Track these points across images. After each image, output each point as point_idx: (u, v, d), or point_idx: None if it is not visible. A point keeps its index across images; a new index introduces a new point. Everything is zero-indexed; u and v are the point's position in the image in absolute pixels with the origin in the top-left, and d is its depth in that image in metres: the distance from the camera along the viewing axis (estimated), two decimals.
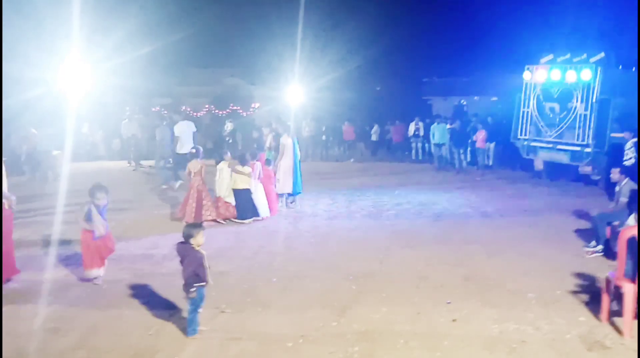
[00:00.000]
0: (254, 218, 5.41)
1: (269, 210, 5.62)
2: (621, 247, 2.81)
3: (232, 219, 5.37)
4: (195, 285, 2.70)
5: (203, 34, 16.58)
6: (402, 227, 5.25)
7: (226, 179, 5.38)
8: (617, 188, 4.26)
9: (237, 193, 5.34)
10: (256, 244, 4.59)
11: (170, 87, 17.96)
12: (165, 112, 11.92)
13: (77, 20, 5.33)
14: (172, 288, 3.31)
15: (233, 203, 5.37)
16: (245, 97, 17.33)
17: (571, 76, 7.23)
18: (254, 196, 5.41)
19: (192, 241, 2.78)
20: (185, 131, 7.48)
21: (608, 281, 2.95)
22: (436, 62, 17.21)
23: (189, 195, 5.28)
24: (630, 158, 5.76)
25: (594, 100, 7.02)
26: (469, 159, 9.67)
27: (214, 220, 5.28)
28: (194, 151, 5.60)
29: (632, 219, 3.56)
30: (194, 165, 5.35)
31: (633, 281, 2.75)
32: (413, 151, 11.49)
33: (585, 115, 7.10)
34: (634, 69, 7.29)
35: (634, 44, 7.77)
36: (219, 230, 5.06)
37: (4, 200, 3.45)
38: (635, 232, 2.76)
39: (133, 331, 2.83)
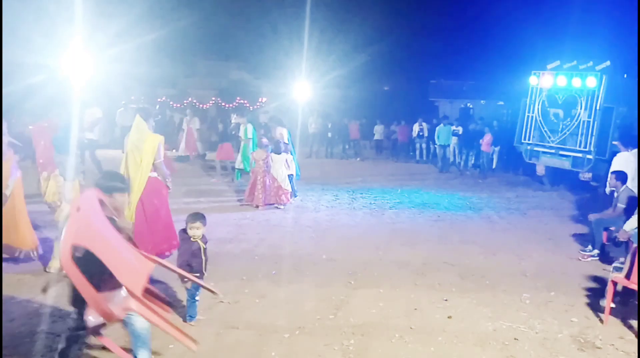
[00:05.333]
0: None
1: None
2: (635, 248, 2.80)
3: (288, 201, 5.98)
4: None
5: (209, 26, 16.54)
6: (402, 225, 5.30)
7: (281, 168, 5.94)
8: (615, 195, 4.30)
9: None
10: (257, 236, 4.65)
11: (177, 77, 17.89)
12: None
13: (80, 4, 5.28)
14: (172, 276, 3.30)
15: (288, 188, 6.00)
16: (252, 91, 17.32)
17: (576, 83, 7.22)
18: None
19: (188, 231, 2.77)
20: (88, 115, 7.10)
21: (614, 283, 2.95)
22: (444, 64, 17.15)
23: (256, 181, 5.81)
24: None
25: (597, 107, 7.01)
26: (472, 161, 9.68)
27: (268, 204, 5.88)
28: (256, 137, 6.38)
29: (628, 225, 3.61)
30: (259, 154, 5.91)
31: None
32: (417, 152, 11.47)
33: (588, 122, 7.09)
34: None
35: None
36: (221, 221, 5.12)
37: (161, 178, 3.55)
38: None
39: None
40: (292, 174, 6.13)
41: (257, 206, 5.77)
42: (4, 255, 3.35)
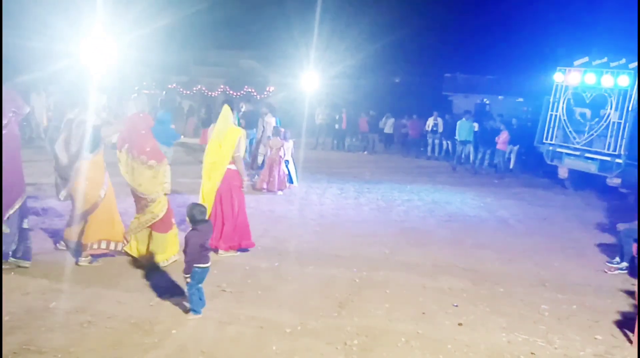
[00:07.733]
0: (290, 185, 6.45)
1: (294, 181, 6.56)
2: None
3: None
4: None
5: (220, 14, 16.38)
6: (411, 224, 5.09)
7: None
8: None
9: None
10: (261, 227, 4.54)
11: (187, 65, 17.93)
12: None
13: None
14: (179, 263, 3.32)
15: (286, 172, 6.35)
16: (261, 80, 17.17)
17: (607, 81, 6.75)
18: (289, 167, 6.48)
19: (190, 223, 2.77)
20: None
21: None
22: (460, 57, 16.46)
23: (272, 168, 6.08)
24: None
25: (630, 108, 6.57)
26: (488, 160, 9.29)
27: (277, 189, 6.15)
28: (282, 129, 6.48)
29: None
30: (275, 143, 6.13)
31: None
32: (429, 147, 11.11)
33: (618, 124, 6.65)
34: None
35: None
36: None
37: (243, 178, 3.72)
38: None
39: (135, 301, 2.85)
40: (287, 161, 6.32)
41: (270, 190, 6.03)
42: (105, 250, 3.41)
